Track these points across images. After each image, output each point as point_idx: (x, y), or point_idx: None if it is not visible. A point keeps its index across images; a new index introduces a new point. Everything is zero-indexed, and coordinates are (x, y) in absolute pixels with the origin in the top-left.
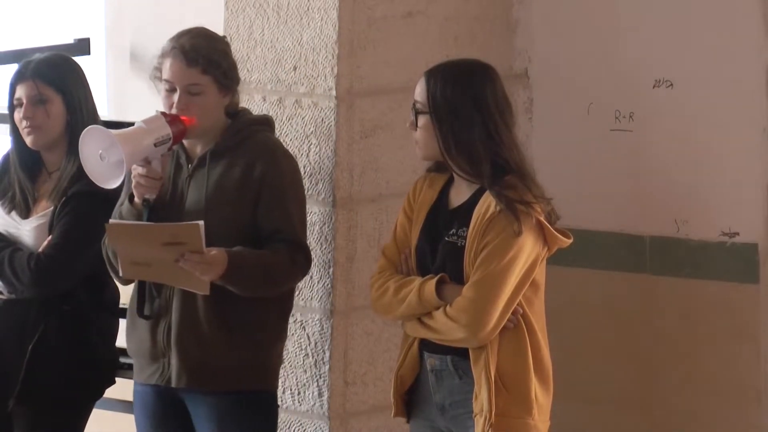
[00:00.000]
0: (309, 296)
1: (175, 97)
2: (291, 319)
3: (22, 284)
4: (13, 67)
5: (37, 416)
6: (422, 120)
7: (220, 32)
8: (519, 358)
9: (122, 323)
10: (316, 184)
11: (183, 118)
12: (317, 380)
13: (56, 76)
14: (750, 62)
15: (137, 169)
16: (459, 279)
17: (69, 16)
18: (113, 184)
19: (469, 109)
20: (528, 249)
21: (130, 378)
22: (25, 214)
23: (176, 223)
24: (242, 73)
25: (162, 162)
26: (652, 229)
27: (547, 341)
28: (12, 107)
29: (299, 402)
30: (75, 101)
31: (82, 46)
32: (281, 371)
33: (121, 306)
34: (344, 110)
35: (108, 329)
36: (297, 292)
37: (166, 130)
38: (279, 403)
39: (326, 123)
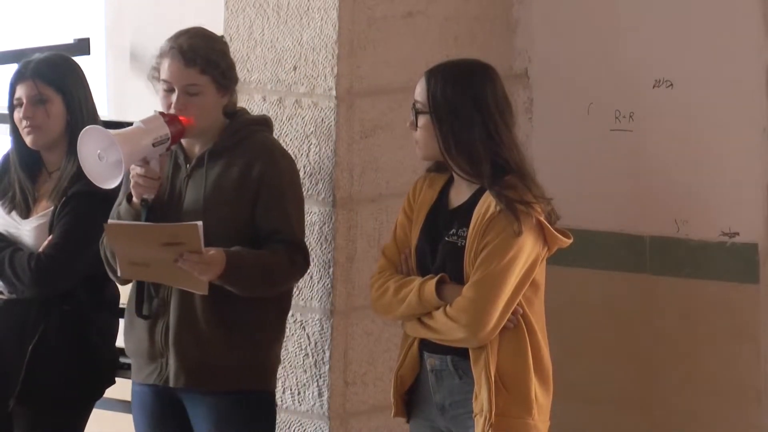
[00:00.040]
0: (309, 296)
1: (174, 97)
2: (291, 319)
3: (23, 284)
4: (13, 67)
5: (37, 416)
6: (422, 120)
7: (220, 32)
8: (519, 358)
9: (122, 323)
10: (316, 184)
11: (181, 118)
12: (317, 380)
13: (56, 76)
14: (750, 62)
15: (135, 169)
16: (459, 279)
17: (69, 16)
18: (112, 184)
19: (469, 109)
20: (528, 249)
21: (130, 378)
22: (25, 214)
23: (175, 224)
24: (242, 73)
25: (160, 162)
26: (652, 229)
27: (547, 341)
28: (12, 107)
29: (299, 402)
30: (75, 101)
31: (82, 46)
32: (281, 371)
33: (121, 306)
34: (344, 110)
35: (108, 329)
36: (297, 292)
37: (165, 130)
38: (279, 403)
39: (326, 123)
